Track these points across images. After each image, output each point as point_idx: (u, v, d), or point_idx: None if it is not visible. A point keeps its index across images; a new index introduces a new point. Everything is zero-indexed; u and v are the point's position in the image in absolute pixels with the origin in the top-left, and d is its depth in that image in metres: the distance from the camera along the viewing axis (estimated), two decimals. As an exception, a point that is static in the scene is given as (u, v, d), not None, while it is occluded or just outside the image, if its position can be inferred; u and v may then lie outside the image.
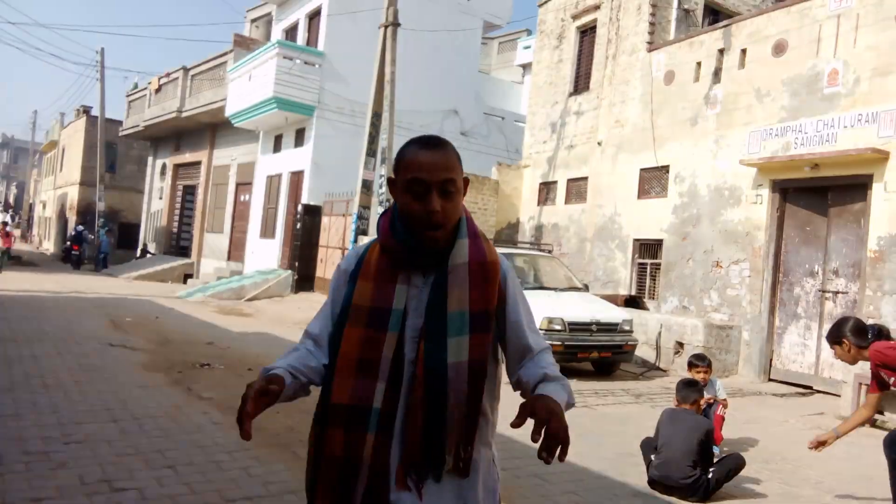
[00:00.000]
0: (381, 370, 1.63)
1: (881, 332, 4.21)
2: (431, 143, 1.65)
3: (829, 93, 9.34)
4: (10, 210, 59.25)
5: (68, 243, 26.19)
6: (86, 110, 34.17)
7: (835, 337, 4.30)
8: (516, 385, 1.73)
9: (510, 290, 1.76)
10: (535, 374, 1.67)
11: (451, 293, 1.65)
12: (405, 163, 1.64)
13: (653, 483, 4.68)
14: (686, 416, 4.74)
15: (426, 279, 1.68)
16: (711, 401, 5.65)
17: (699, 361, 5.82)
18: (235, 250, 21.15)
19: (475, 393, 1.66)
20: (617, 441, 5.90)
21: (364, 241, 14.54)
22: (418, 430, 1.62)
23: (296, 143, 17.97)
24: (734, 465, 4.66)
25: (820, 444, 4.35)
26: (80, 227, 27.05)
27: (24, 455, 4.23)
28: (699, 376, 5.64)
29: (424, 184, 1.59)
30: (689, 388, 4.92)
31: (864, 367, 8.21)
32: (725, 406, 5.80)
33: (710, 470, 4.57)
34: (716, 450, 5.56)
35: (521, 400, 1.56)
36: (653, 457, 4.75)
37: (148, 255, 26.70)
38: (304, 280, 16.84)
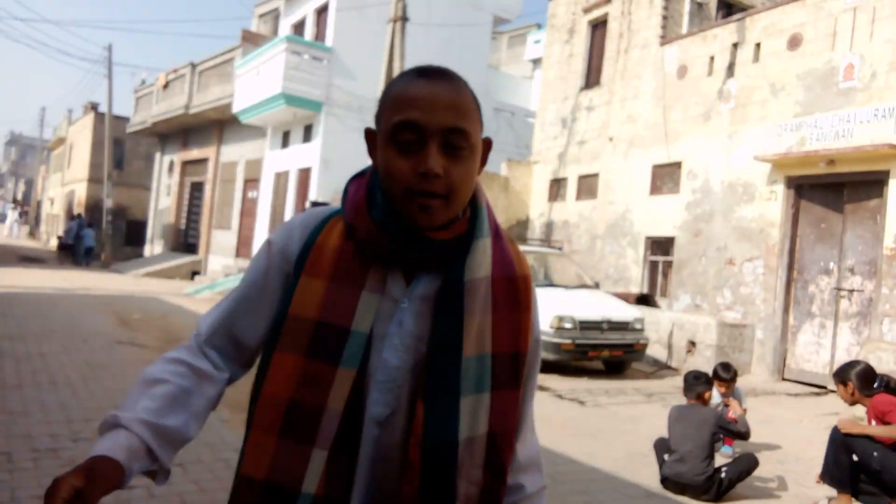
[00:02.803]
0: (321, 430, 1.04)
1: (888, 385, 4.30)
2: (434, 73, 1.09)
3: (844, 87, 9.21)
4: (20, 207, 59.52)
5: (66, 239, 26.24)
6: (93, 107, 34.20)
7: (841, 377, 4.42)
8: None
9: (534, 323, 1.19)
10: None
11: (468, 325, 1.08)
12: (392, 98, 1.08)
13: (665, 481, 4.62)
14: (694, 411, 4.70)
15: (412, 289, 1.10)
16: (728, 403, 5.55)
17: (724, 373, 5.62)
18: (243, 247, 21.13)
19: (496, 486, 1.12)
20: (628, 441, 5.82)
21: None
22: None
23: (304, 139, 17.92)
24: (747, 465, 4.62)
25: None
26: (73, 223, 27.07)
27: (33, 452, 4.21)
28: (720, 389, 5.53)
29: (417, 129, 1.03)
30: (695, 381, 4.87)
31: (880, 368, 8.12)
32: (743, 412, 5.72)
33: (723, 469, 4.52)
34: (728, 450, 5.49)
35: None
36: (666, 456, 4.70)
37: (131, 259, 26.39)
38: (312, 277, 16.76)
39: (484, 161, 1.14)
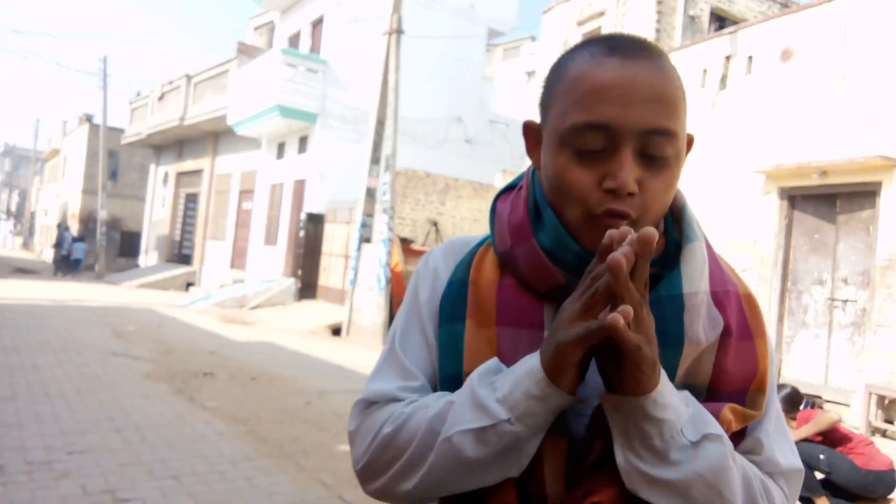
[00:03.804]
0: None
1: (814, 406, 4.58)
2: (630, 48, 0.80)
3: (836, 99, 9.28)
4: (12, 218, 59.32)
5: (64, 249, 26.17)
6: (88, 118, 34.21)
7: None
8: None
9: (771, 355, 0.89)
10: None
11: (686, 354, 0.81)
12: (571, 82, 0.80)
13: None
14: None
15: None
16: None
17: None
18: (238, 258, 21.11)
19: None
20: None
21: (370, 250, 14.43)
22: None
23: (299, 150, 17.96)
24: None
25: None
26: (68, 233, 27.05)
27: (27, 465, 4.19)
28: None
29: (609, 132, 0.77)
30: None
31: (874, 377, 8.16)
32: None
33: None
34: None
35: None
36: None
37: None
38: (308, 288, 16.77)
39: (685, 157, 0.87)
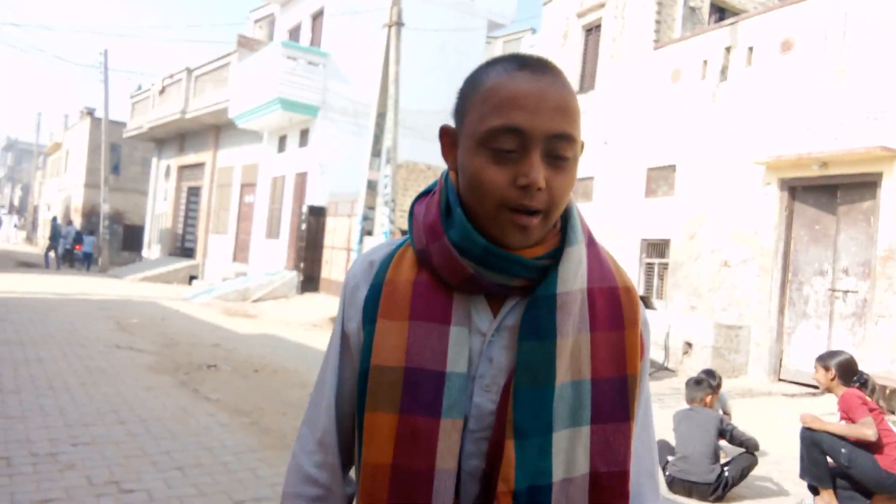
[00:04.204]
0: (436, 497, 0.89)
1: (865, 383, 4.49)
2: (537, 65, 0.91)
3: (837, 90, 9.27)
4: (16, 213, 59.40)
5: (65, 245, 26.17)
6: (89, 112, 34.19)
7: (824, 362, 4.51)
8: None
9: (645, 341, 1.01)
10: None
11: (561, 346, 0.92)
12: (486, 93, 0.91)
13: (672, 483, 4.66)
14: (698, 414, 4.77)
15: (501, 319, 0.95)
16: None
17: (711, 380, 5.38)
18: (240, 251, 21.14)
19: None
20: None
21: (372, 243, 14.45)
22: None
23: (300, 143, 17.96)
24: (747, 463, 4.72)
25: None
26: (72, 227, 27.09)
27: (32, 457, 4.24)
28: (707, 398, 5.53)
29: (521, 135, 0.87)
30: (696, 387, 5.01)
31: (875, 367, 8.18)
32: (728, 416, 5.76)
33: (725, 468, 4.60)
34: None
35: None
36: (670, 458, 4.76)
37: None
38: (310, 281, 16.82)
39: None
